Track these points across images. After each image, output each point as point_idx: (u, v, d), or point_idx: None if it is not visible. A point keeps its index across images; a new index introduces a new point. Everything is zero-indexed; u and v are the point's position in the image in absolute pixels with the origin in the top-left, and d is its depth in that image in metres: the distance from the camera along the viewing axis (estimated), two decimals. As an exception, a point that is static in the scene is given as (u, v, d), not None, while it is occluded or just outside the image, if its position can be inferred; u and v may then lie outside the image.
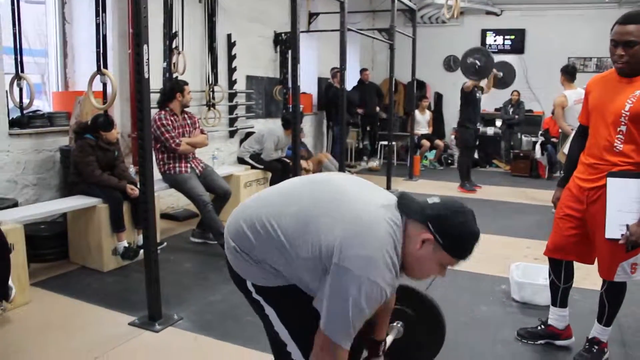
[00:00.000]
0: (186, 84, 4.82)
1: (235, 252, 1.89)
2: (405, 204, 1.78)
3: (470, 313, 3.58)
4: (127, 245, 4.28)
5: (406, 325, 2.51)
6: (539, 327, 3.18)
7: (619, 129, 2.59)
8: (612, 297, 2.83)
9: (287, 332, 1.89)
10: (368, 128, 10.50)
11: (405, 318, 2.51)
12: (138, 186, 4.29)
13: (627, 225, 2.55)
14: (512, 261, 4.15)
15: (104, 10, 4.04)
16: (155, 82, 4.50)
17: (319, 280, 1.74)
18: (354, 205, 1.77)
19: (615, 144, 2.61)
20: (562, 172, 3.05)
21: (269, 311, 1.90)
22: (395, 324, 2.49)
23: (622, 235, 2.57)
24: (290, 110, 7.56)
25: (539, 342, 3.14)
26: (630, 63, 2.54)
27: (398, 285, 2.01)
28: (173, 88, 4.76)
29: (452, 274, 2.94)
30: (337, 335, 1.69)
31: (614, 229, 2.60)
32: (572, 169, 2.94)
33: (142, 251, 4.27)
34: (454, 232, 1.70)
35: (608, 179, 2.62)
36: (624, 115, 2.56)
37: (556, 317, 3.10)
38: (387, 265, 1.67)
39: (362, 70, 10.22)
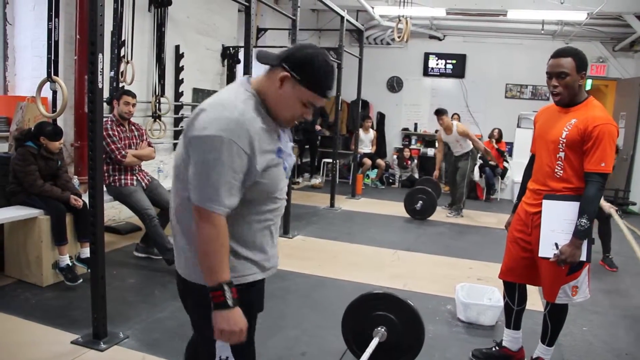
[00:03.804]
0: (128, 93, 4.66)
1: (183, 251, 1.84)
2: (262, 57, 1.80)
3: (418, 333, 3.63)
4: (69, 264, 4.09)
5: (389, 331, 2.83)
6: (494, 349, 3.27)
7: (558, 155, 2.75)
8: (554, 318, 2.97)
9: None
10: (307, 146, 10.52)
11: (389, 323, 2.82)
12: (81, 197, 4.19)
13: (556, 244, 2.70)
14: (456, 281, 4.25)
15: (56, 15, 3.89)
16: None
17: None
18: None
19: (556, 170, 2.76)
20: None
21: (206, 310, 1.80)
22: (379, 328, 2.79)
23: (554, 254, 2.71)
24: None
25: None
26: (562, 93, 2.71)
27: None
28: (113, 95, 4.66)
29: (400, 294, 3.01)
30: (209, 204, 1.65)
31: (547, 248, 2.75)
32: (523, 196, 3.08)
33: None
34: (307, 65, 1.73)
35: (544, 201, 2.79)
36: (561, 142, 2.72)
37: (510, 339, 3.21)
38: (235, 119, 1.66)
39: None
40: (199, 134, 1.65)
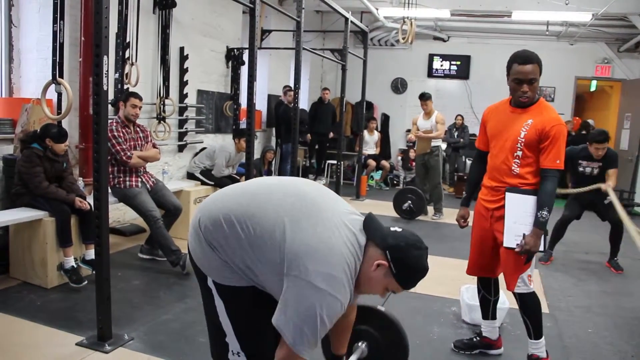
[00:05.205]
0: (135, 96, 4.68)
1: (204, 245, 1.91)
2: (370, 226, 1.89)
3: (423, 334, 3.62)
4: (74, 265, 4.09)
5: (370, 346, 2.56)
6: (475, 339, 3.41)
7: (515, 154, 2.93)
8: (528, 310, 3.07)
9: (232, 327, 1.94)
10: (316, 147, 10.53)
11: (370, 338, 2.56)
12: (86, 199, 4.19)
13: (524, 235, 2.85)
14: (461, 283, 4.22)
15: (61, 18, 3.91)
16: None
17: (279, 285, 1.79)
18: (322, 218, 1.85)
19: (513, 168, 2.94)
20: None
21: (219, 303, 1.94)
22: (360, 344, 2.55)
23: (517, 244, 2.87)
24: (241, 126, 7.55)
25: (474, 352, 3.37)
26: (531, 97, 2.89)
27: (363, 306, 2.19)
28: (119, 97, 4.66)
29: (405, 296, 3.00)
30: (302, 349, 1.76)
31: (511, 238, 2.92)
32: (472, 191, 3.36)
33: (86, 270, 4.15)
34: (408, 264, 1.83)
35: (507, 193, 2.95)
36: (520, 141, 2.90)
37: (490, 329, 3.37)
38: (347, 281, 1.77)
39: (323, 90, 10.27)
40: (307, 278, 1.72)
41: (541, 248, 2.89)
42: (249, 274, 1.86)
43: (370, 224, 1.89)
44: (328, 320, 1.74)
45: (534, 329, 3.07)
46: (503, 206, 2.97)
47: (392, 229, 1.91)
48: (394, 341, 2.56)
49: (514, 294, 3.04)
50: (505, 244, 2.93)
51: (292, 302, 1.73)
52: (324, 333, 1.77)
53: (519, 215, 2.90)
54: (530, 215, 2.87)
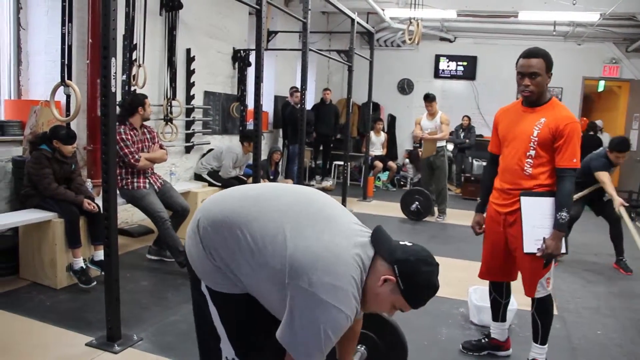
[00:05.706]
0: (145, 97, 4.73)
1: (200, 249, 1.86)
2: (379, 239, 1.81)
3: (431, 336, 3.62)
4: (83, 266, 4.11)
5: (369, 349, 2.54)
6: (483, 340, 3.40)
7: (528, 153, 2.87)
8: (542, 314, 3.04)
9: (226, 333, 1.90)
10: (321, 147, 10.54)
11: (369, 342, 2.54)
12: (94, 200, 4.21)
13: (544, 239, 2.80)
14: (469, 284, 4.21)
15: (69, 20, 3.93)
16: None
17: (277, 294, 1.74)
18: (329, 227, 1.79)
19: (525, 168, 2.88)
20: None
21: (212, 310, 1.89)
22: (359, 347, 2.51)
23: (538, 249, 2.82)
24: (248, 127, 7.56)
25: (483, 353, 3.36)
26: (534, 92, 2.81)
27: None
28: (134, 102, 4.67)
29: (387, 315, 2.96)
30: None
31: (531, 244, 2.86)
32: (486, 195, 3.22)
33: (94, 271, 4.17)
34: (417, 281, 1.74)
35: (522, 198, 2.88)
36: (532, 140, 2.84)
37: (499, 331, 3.35)
38: (353, 292, 1.70)
39: (324, 90, 10.30)
40: (311, 289, 1.65)
41: (563, 250, 2.83)
42: (243, 281, 1.80)
43: (378, 236, 1.82)
44: (333, 334, 1.68)
45: (544, 332, 3.04)
46: (516, 210, 2.91)
47: (401, 242, 1.81)
48: (393, 343, 2.53)
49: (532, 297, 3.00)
50: (525, 250, 2.86)
51: (295, 315, 1.67)
52: (330, 346, 1.71)
53: (536, 219, 2.84)
54: (549, 218, 2.82)
